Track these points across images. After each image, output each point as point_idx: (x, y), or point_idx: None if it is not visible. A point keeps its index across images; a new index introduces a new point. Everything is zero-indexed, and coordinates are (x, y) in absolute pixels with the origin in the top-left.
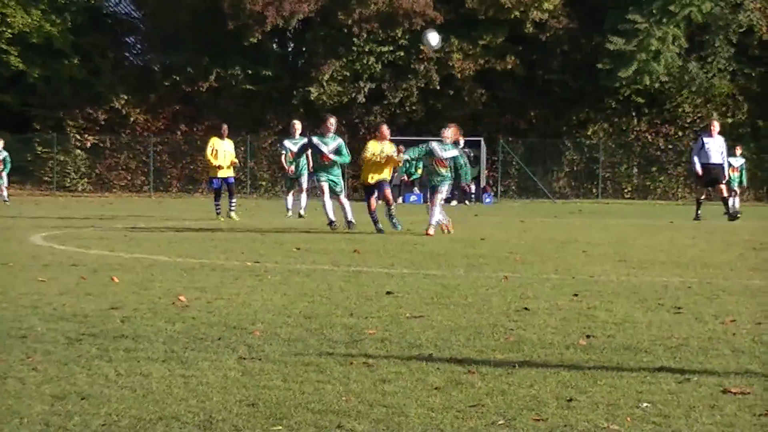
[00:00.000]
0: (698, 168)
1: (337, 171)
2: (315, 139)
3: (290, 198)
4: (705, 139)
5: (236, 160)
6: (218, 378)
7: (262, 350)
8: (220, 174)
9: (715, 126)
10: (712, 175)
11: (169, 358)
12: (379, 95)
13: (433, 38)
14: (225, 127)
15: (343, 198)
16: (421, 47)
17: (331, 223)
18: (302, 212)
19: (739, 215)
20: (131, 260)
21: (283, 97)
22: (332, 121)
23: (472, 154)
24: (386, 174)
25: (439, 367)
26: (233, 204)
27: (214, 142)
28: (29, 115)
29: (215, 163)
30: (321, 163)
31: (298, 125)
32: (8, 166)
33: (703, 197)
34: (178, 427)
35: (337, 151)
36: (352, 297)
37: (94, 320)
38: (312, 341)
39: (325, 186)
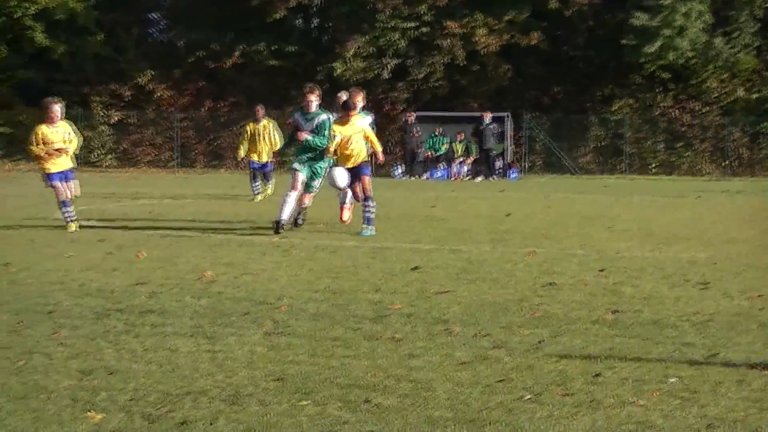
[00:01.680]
0: None
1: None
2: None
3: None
4: None
5: (277, 146)
6: (245, 353)
7: (288, 325)
8: (256, 158)
9: None
10: None
11: (195, 333)
12: (403, 71)
13: (341, 179)
14: (258, 108)
15: (309, 199)
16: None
17: (278, 224)
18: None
19: None
20: (157, 236)
21: (307, 73)
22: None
23: (498, 130)
24: (362, 155)
25: (465, 343)
26: (268, 186)
27: (247, 129)
28: (54, 92)
29: (244, 151)
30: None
31: (344, 95)
32: None
33: None
34: (205, 402)
35: (317, 130)
36: (378, 273)
37: (121, 296)
38: (338, 316)
39: (300, 177)
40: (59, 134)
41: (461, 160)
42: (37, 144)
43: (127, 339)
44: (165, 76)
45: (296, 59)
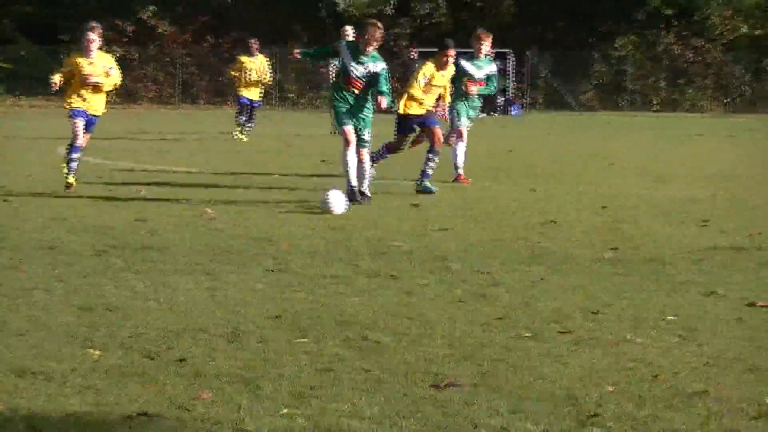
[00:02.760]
0: None
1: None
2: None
3: None
4: None
5: (268, 80)
6: (244, 290)
7: (287, 263)
8: (247, 94)
9: None
10: None
11: (195, 270)
12: (407, 7)
13: (338, 205)
14: (253, 42)
15: (366, 153)
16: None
17: (353, 195)
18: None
19: None
20: (158, 173)
21: (310, 9)
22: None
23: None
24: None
25: (464, 280)
26: (249, 126)
27: (242, 62)
28: (55, 27)
29: (240, 82)
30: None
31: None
32: None
33: None
34: (204, 339)
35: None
36: (377, 209)
37: (120, 232)
38: (337, 254)
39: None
40: (97, 67)
41: None
42: (69, 76)
43: (127, 276)
44: (167, 11)
45: None
